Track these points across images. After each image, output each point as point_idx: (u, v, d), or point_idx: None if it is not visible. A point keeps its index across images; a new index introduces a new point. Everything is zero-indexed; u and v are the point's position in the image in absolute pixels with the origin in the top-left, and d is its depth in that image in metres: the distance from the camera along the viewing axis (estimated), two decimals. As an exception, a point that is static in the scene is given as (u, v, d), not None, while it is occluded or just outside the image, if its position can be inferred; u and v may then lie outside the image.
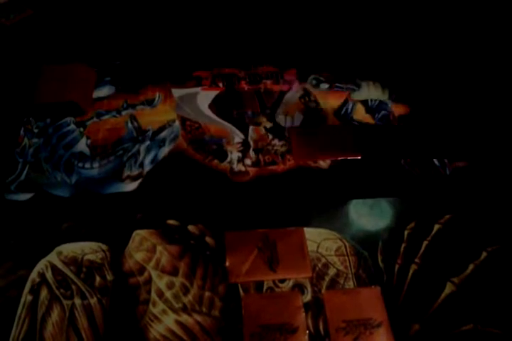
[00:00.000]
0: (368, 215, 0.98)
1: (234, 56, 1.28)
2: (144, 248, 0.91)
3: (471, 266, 0.89)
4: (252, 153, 1.08)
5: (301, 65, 1.26)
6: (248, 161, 1.06)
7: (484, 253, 0.91)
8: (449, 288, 0.87)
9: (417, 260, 0.91)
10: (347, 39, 1.31)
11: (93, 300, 0.84)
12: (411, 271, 0.89)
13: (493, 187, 1.02)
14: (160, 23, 1.36)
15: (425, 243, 0.93)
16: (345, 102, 1.19)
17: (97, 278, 0.87)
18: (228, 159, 1.06)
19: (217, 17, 1.36)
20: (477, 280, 0.88)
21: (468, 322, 0.83)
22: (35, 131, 1.11)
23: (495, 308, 0.85)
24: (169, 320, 0.83)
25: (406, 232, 0.95)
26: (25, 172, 1.03)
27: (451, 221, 0.96)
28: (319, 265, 0.90)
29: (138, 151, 1.07)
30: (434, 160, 1.08)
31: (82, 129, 1.11)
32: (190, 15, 1.37)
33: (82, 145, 1.08)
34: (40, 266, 0.88)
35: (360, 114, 1.17)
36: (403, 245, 0.93)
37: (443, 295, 0.86)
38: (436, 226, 0.95)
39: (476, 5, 1.33)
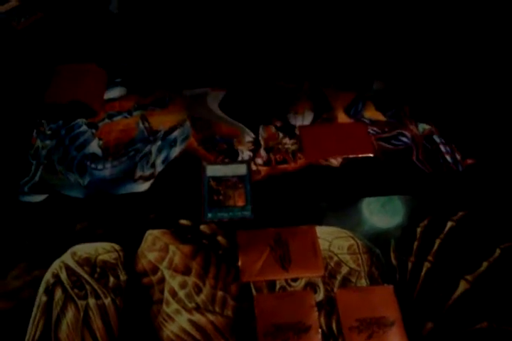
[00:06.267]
0: (380, 213, 0.97)
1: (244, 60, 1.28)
2: (157, 248, 0.92)
3: (484, 264, 0.89)
4: (262, 152, 1.08)
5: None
6: (259, 160, 1.06)
7: (498, 251, 0.90)
8: (462, 286, 0.86)
9: (430, 258, 0.90)
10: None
11: (107, 300, 0.85)
12: (424, 269, 0.89)
13: (506, 184, 1.01)
14: (171, 23, 1.37)
15: (438, 240, 0.92)
16: (356, 99, 1.18)
17: (111, 278, 0.88)
18: (239, 158, 1.07)
19: (228, 19, 1.37)
20: (491, 277, 0.87)
21: (482, 320, 0.82)
22: (48, 132, 1.12)
23: (510, 306, 0.84)
24: (182, 320, 0.83)
25: (419, 230, 0.94)
26: (38, 173, 1.04)
27: (465, 218, 0.96)
28: (331, 263, 0.90)
29: (150, 152, 1.08)
30: (447, 156, 1.07)
31: (94, 130, 1.12)
32: (201, 16, 1.38)
33: (95, 147, 1.09)
34: (55, 266, 0.89)
35: (371, 111, 1.16)
36: (416, 243, 0.93)
37: (457, 293, 0.85)
38: (450, 224, 0.95)
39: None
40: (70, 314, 0.84)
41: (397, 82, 1.22)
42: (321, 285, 0.87)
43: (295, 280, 0.88)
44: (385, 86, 1.21)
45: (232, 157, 1.07)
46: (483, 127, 1.11)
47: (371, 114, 1.16)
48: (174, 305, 0.85)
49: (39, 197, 1.01)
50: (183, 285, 0.87)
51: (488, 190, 1.01)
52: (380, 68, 1.25)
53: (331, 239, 0.93)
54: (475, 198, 0.99)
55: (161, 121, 1.14)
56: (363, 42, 1.30)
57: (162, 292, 0.86)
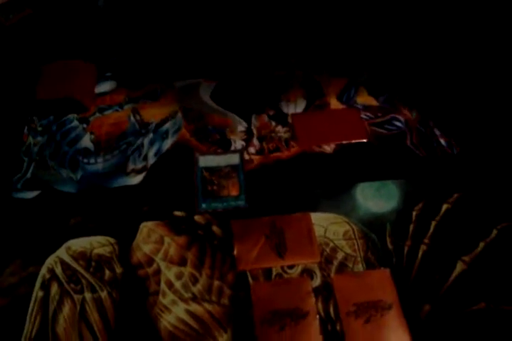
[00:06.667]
0: (375, 198, 0.97)
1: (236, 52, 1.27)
2: (152, 240, 0.91)
3: (481, 245, 0.88)
4: (255, 141, 1.07)
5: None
6: (252, 149, 1.06)
7: (495, 231, 0.90)
8: (459, 267, 0.86)
9: (426, 240, 0.90)
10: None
11: (103, 294, 0.85)
12: (420, 252, 0.88)
13: (501, 165, 1.01)
14: (160, 16, 1.36)
15: (434, 223, 0.92)
16: (348, 85, 1.17)
17: (107, 272, 0.88)
18: (232, 148, 1.06)
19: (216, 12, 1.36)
20: (488, 258, 0.87)
21: (480, 300, 0.82)
22: (39, 129, 1.11)
23: (507, 286, 0.84)
24: (179, 310, 0.83)
25: (414, 213, 0.94)
26: (31, 170, 1.04)
27: (460, 200, 0.95)
28: (327, 249, 0.90)
29: (141, 144, 1.07)
30: (441, 140, 1.06)
31: (85, 125, 1.12)
32: (190, 7, 1.37)
33: (86, 141, 1.09)
34: (50, 261, 0.89)
35: (364, 96, 1.15)
36: (412, 226, 0.92)
37: (454, 275, 0.85)
38: (445, 206, 0.94)
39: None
40: (66, 308, 0.83)
41: (390, 67, 1.21)
42: (318, 271, 0.87)
43: (291, 267, 0.88)
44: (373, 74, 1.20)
45: (225, 147, 1.06)
46: (474, 113, 1.10)
47: (364, 99, 1.15)
48: (171, 296, 0.84)
49: (32, 194, 1.00)
50: (179, 276, 0.87)
51: (483, 172, 1.00)
52: (371, 53, 1.24)
53: (327, 225, 0.93)
54: (470, 180, 0.99)
55: (153, 113, 1.14)
56: (353, 28, 1.29)
57: (158, 283, 0.86)
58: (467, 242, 0.89)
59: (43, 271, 0.88)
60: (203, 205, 0.96)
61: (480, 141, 1.05)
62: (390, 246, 0.90)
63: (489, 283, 0.84)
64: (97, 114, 1.14)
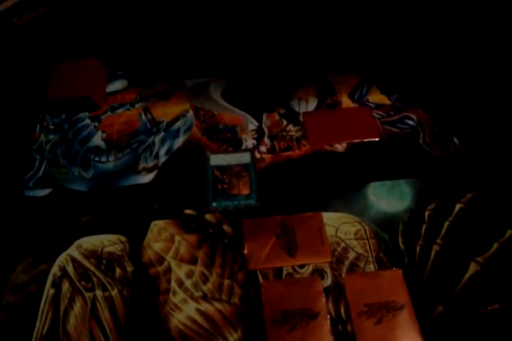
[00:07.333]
0: (387, 197, 0.96)
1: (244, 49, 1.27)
2: (163, 238, 0.91)
3: (495, 245, 0.87)
4: (266, 139, 1.07)
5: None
6: (263, 148, 1.05)
7: (509, 231, 0.89)
8: (473, 268, 0.85)
9: (439, 241, 0.89)
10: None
11: (114, 292, 0.85)
12: (433, 252, 0.87)
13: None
14: (170, 14, 1.36)
15: (447, 223, 0.91)
16: (360, 84, 1.16)
17: (117, 270, 0.88)
18: (243, 147, 1.06)
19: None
20: (502, 258, 0.85)
21: (494, 301, 0.81)
22: (51, 127, 1.12)
23: (522, 287, 0.83)
24: (190, 309, 0.83)
25: (427, 213, 0.93)
26: (42, 168, 1.05)
27: (474, 199, 0.94)
28: (338, 249, 0.89)
29: (153, 143, 1.07)
30: (454, 138, 1.05)
31: (96, 124, 1.12)
32: (200, 6, 1.37)
33: (98, 140, 1.09)
34: (61, 259, 0.89)
35: (376, 95, 1.14)
36: (424, 226, 0.91)
37: (467, 276, 0.84)
38: (458, 206, 0.93)
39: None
40: (77, 306, 0.84)
41: (402, 65, 1.20)
42: (329, 271, 0.86)
43: (302, 266, 0.87)
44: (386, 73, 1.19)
45: (236, 146, 1.06)
46: (490, 112, 1.08)
47: (376, 97, 1.14)
48: (181, 295, 0.84)
49: (43, 192, 1.01)
50: (189, 275, 0.86)
51: (497, 171, 0.99)
52: (384, 51, 1.23)
53: (338, 224, 0.92)
54: (484, 180, 0.97)
55: (164, 112, 1.14)
56: (366, 26, 1.28)
57: (169, 282, 0.86)
58: (481, 243, 0.88)
59: (54, 268, 0.88)
60: (214, 204, 0.96)
61: (493, 140, 1.03)
62: (402, 246, 0.89)
63: (503, 284, 0.83)
64: (109, 113, 1.14)
